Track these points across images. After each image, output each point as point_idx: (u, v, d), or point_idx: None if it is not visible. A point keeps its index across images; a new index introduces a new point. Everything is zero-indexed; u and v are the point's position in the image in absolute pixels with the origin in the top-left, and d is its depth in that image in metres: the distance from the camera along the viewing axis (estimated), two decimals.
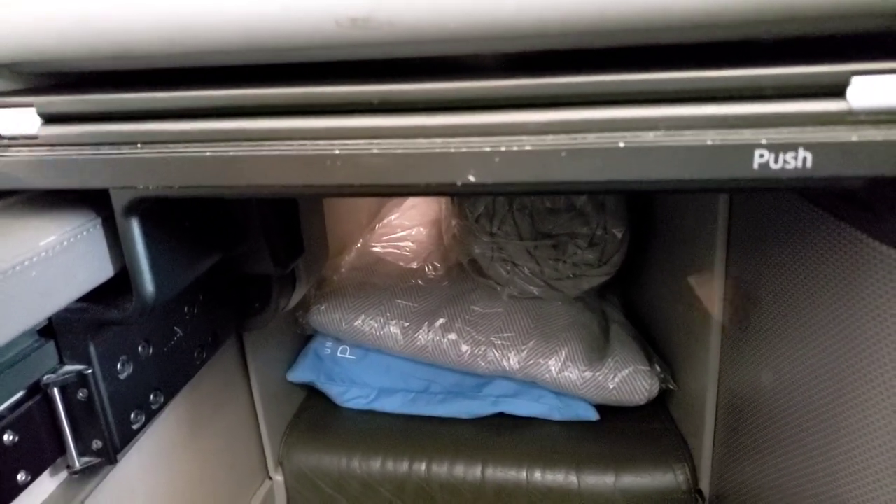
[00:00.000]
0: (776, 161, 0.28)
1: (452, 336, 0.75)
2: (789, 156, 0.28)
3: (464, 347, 0.74)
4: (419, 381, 0.77)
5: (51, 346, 0.41)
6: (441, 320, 0.76)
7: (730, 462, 0.61)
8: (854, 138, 0.28)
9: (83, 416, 0.43)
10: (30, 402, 0.40)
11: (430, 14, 0.30)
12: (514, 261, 0.77)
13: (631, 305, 0.86)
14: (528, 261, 0.76)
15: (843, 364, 0.41)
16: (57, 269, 0.35)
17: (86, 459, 0.44)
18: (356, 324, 0.77)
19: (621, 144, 0.29)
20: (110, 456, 0.44)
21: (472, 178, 0.31)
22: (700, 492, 0.65)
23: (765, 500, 0.53)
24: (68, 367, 0.42)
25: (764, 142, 0.28)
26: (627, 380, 0.70)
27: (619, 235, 0.74)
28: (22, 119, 0.36)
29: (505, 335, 0.74)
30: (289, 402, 0.78)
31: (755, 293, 0.53)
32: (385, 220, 1.01)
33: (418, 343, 0.75)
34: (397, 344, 0.76)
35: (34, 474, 0.40)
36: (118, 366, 0.44)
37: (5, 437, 0.38)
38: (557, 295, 0.78)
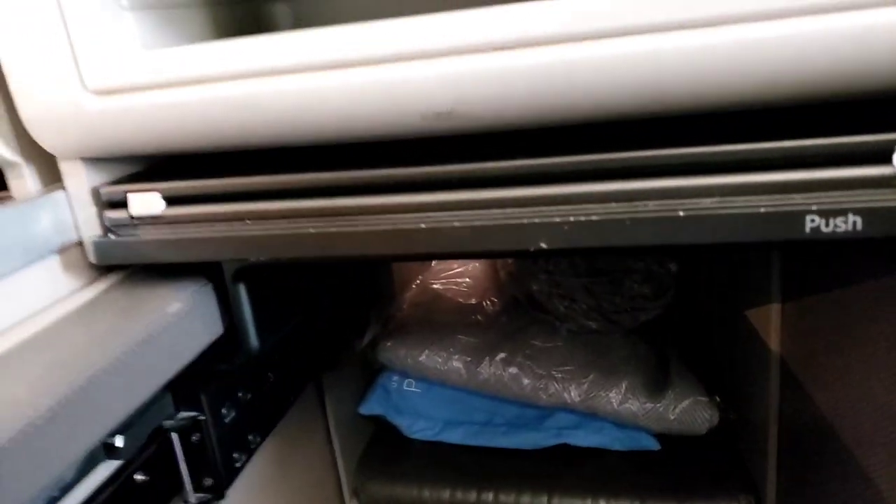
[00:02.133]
0: (827, 225, 0.31)
1: (513, 370, 0.78)
2: (839, 220, 0.31)
3: (525, 381, 0.77)
4: (482, 413, 0.81)
5: (169, 396, 0.47)
6: (502, 354, 0.79)
7: (795, 493, 0.62)
8: None
9: (196, 457, 0.48)
10: (154, 446, 0.45)
11: (501, 106, 0.34)
12: (572, 296, 0.80)
13: (689, 336, 0.88)
14: (585, 296, 0.79)
15: None
16: (181, 332, 0.41)
17: (199, 496, 0.49)
18: (421, 359, 0.81)
19: (681, 213, 0.33)
20: (220, 492, 0.49)
21: (543, 245, 0.35)
22: None
23: None
24: (184, 414, 0.47)
25: (815, 208, 0.31)
26: (688, 410, 0.72)
27: (674, 269, 0.77)
28: (149, 202, 0.41)
29: (565, 368, 0.77)
30: (361, 434, 0.82)
31: (814, 325, 0.55)
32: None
33: (481, 377, 0.79)
34: (461, 378, 0.80)
35: None
36: (223, 410, 0.49)
37: (136, 477, 0.43)
38: (615, 328, 0.81)
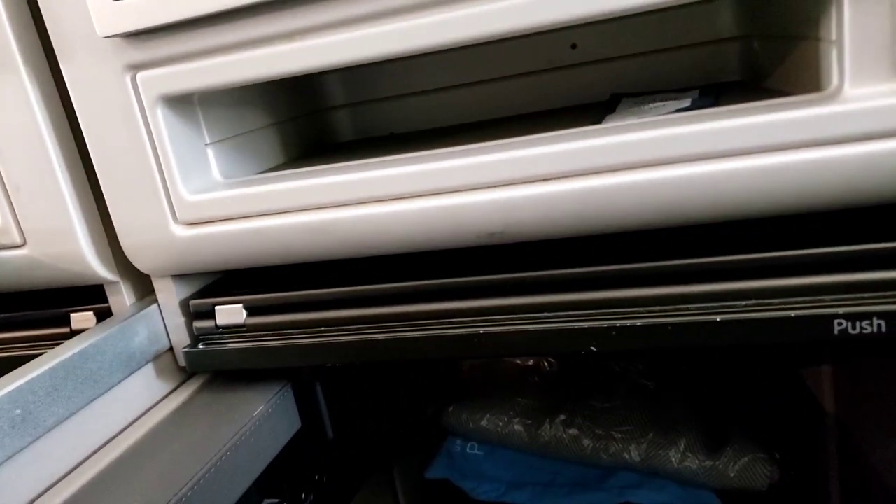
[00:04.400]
0: (853, 328, 0.34)
1: (573, 431, 0.80)
2: (865, 323, 0.33)
3: (585, 442, 0.79)
4: (545, 474, 0.83)
5: (253, 486, 0.51)
6: (562, 416, 0.82)
7: None
8: None
9: None
10: None
11: (545, 227, 0.38)
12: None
13: (747, 393, 0.88)
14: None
15: None
16: (266, 432, 0.45)
17: None
18: (482, 423, 0.83)
19: (717, 319, 0.36)
20: None
21: (593, 349, 0.38)
22: None
23: None
24: (267, 501, 0.51)
25: (841, 312, 0.34)
26: (748, 467, 0.72)
27: None
28: (233, 313, 0.46)
29: (624, 428, 0.78)
30: (429, 501, 0.85)
31: (868, 386, 0.56)
32: None
33: (542, 439, 0.81)
34: (522, 441, 0.82)
35: None
36: (303, 495, 0.53)
37: None
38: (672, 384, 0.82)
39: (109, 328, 0.44)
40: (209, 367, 0.47)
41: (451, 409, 0.85)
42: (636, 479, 0.78)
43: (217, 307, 0.47)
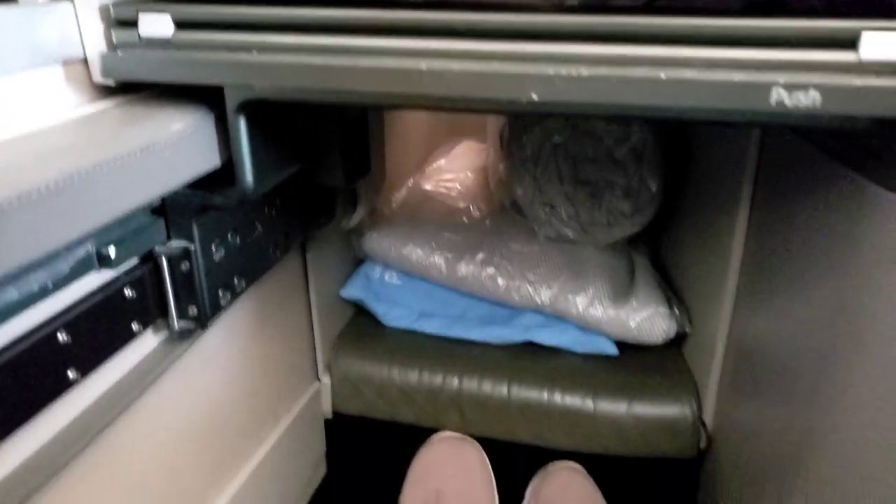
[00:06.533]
0: (790, 98, 0.34)
1: (490, 270, 0.82)
2: (801, 94, 0.34)
3: (500, 281, 0.81)
4: (457, 308, 0.85)
5: (161, 223, 0.49)
6: (481, 255, 0.83)
7: (732, 398, 0.67)
8: (858, 83, 0.33)
9: (184, 286, 0.51)
10: (144, 268, 0.48)
11: None
12: (553, 204, 0.83)
13: (657, 254, 0.92)
14: (566, 205, 0.82)
15: (847, 308, 0.46)
16: (179, 151, 0.43)
17: (183, 323, 0.52)
18: (404, 251, 0.84)
19: (662, 76, 0.35)
20: (203, 322, 0.52)
21: (534, 97, 0.37)
22: (703, 422, 0.72)
23: (759, 432, 0.60)
24: (175, 243, 0.50)
25: (781, 81, 0.34)
26: (648, 320, 0.76)
27: (654, 188, 0.80)
28: (159, 23, 0.43)
29: (538, 272, 0.80)
30: (340, 316, 0.86)
31: (771, 242, 0.59)
32: (435, 164, 1.07)
33: (459, 274, 0.83)
34: (440, 273, 0.83)
35: (144, 326, 0.48)
36: (213, 247, 0.52)
37: (126, 292, 0.46)
38: (590, 240, 0.84)
39: (12, 6, 0.40)
40: (126, 75, 0.43)
41: (375, 233, 0.85)
42: (542, 320, 0.82)
43: (141, 13, 0.43)
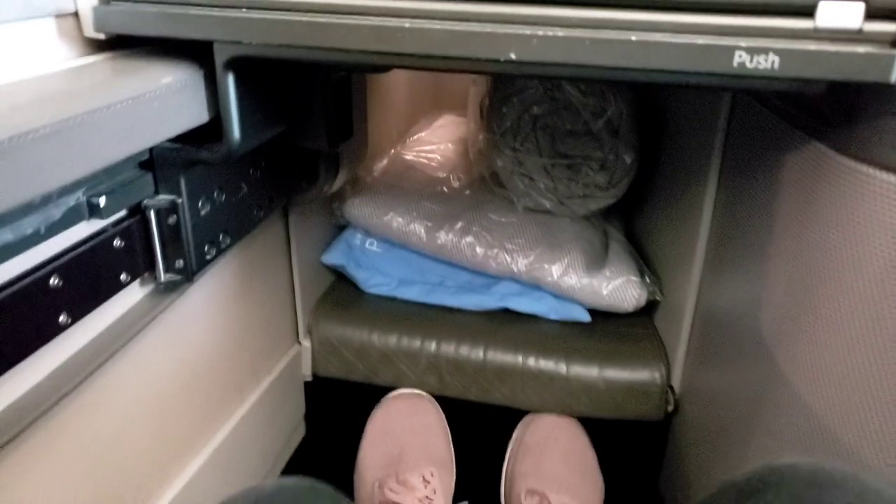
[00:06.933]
0: (751, 61, 0.36)
1: (469, 238, 0.84)
2: (761, 57, 0.36)
3: (478, 249, 0.83)
4: (436, 276, 0.87)
5: (150, 177, 0.50)
6: (460, 223, 0.85)
7: (699, 364, 0.70)
8: (813, 48, 0.36)
9: (171, 239, 0.52)
10: (132, 219, 0.49)
11: None
12: (532, 176, 0.85)
13: (631, 226, 0.94)
14: (544, 177, 0.85)
15: (802, 273, 0.49)
16: (169, 104, 0.44)
17: (169, 275, 0.53)
18: (385, 219, 0.86)
19: (633, 38, 0.37)
20: (188, 275, 0.53)
21: (513, 56, 0.39)
22: (671, 387, 0.75)
23: (722, 396, 0.63)
24: (163, 196, 0.51)
25: (743, 45, 0.36)
26: (619, 288, 0.79)
27: (629, 161, 0.82)
28: None
29: (516, 241, 0.83)
30: (321, 281, 0.87)
31: (738, 213, 0.61)
32: (416, 136, 1.09)
33: (438, 242, 0.85)
34: (420, 241, 0.85)
35: (132, 277, 0.50)
36: (199, 203, 0.53)
37: (115, 242, 0.48)
38: (566, 211, 0.86)
39: None
40: (118, 29, 0.44)
41: (356, 200, 0.87)
42: (518, 288, 0.84)
43: None
